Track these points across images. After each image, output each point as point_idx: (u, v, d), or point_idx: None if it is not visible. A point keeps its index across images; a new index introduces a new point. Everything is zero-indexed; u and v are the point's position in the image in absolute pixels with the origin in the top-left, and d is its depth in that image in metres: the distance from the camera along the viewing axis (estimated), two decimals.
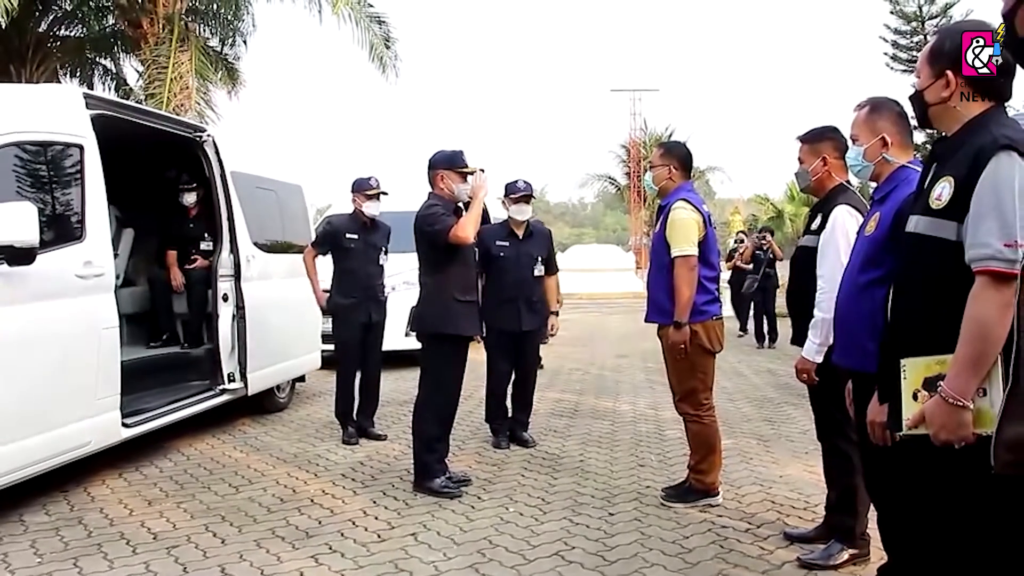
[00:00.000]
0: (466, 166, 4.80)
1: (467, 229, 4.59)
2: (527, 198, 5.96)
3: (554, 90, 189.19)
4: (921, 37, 29.26)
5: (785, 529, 4.04)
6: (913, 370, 2.08)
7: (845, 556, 3.55)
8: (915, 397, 2.07)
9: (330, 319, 6.50)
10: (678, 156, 4.57)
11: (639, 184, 34.17)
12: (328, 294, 6.24)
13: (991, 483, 1.96)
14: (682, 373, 4.45)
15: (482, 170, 4.80)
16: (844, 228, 3.42)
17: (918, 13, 29.87)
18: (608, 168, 41.27)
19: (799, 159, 3.84)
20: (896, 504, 2.60)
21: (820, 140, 3.75)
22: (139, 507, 4.53)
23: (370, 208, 6.13)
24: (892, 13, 30.33)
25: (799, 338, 3.59)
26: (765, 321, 12.82)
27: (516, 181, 5.98)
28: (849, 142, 3.11)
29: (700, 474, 4.47)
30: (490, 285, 5.70)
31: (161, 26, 14.00)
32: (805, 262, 3.62)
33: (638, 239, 37.72)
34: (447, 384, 4.81)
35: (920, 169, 2.72)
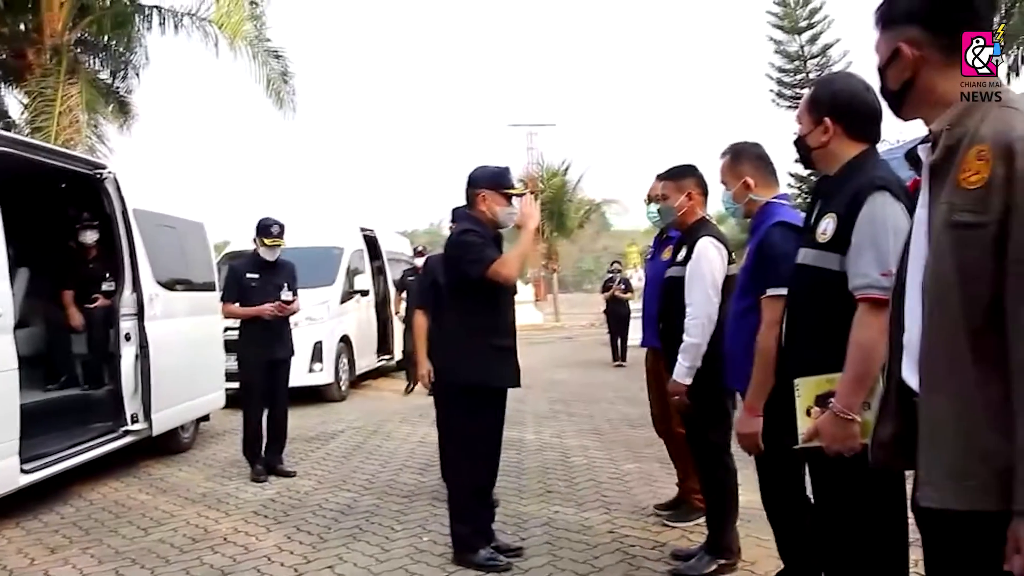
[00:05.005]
0: (513, 186, 4.22)
1: (511, 266, 3.94)
2: None
3: (452, 125, 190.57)
4: (804, 75, 31.25)
5: (674, 550, 4.18)
6: (806, 388, 2.32)
7: (713, 567, 3.80)
8: (808, 413, 2.31)
9: (233, 356, 6.48)
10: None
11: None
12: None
13: (876, 484, 2.21)
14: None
15: (532, 192, 4.36)
16: (709, 258, 3.71)
17: (800, 53, 32.01)
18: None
19: (663, 195, 4.07)
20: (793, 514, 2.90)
21: (684, 177, 4.03)
22: (41, 556, 4.42)
23: (267, 254, 6.18)
24: (776, 52, 32.37)
25: (671, 365, 3.80)
26: None
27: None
28: (721, 187, 3.39)
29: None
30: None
31: (48, 57, 13.59)
32: (675, 292, 3.86)
33: (536, 272, 38.24)
34: (482, 442, 4.14)
35: (785, 203, 3.05)
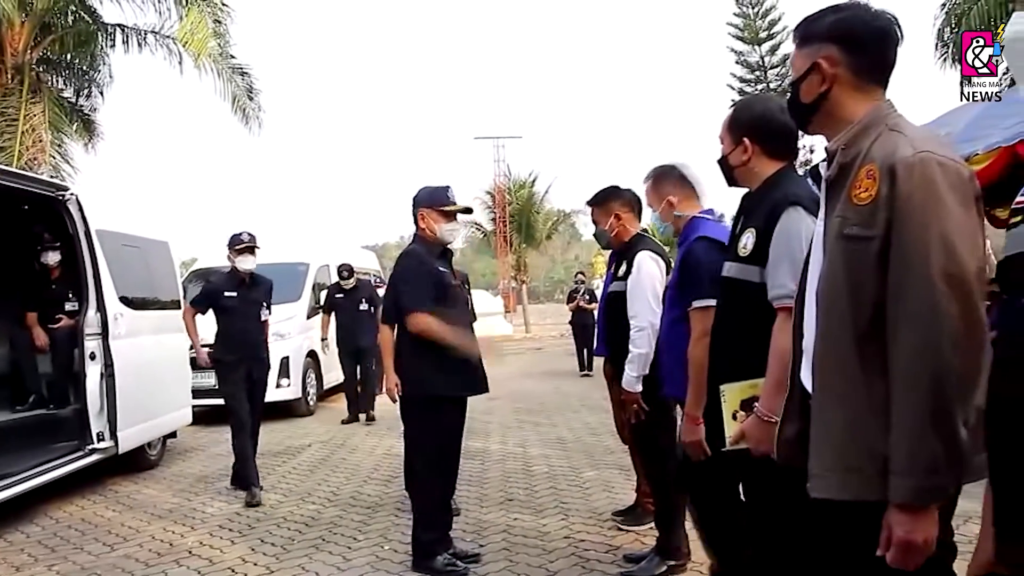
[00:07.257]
0: (451, 204, 4.32)
1: (426, 331, 4.10)
2: None
3: (421, 138, 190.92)
4: (764, 85, 31.87)
5: (627, 553, 4.34)
6: (731, 394, 2.47)
7: (663, 568, 3.95)
8: (734, 417, 2.46)
9: (201, 374, 6.53)
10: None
11: (505, 229, 34.82)
12: (209, 349, 6.29)
13: (801, 481, 2.37)
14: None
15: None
16: (648, 271, 3.88)
17: (761, 63, 32.65)
18: (474, 214, 41.77)
19: (594, 221, 4.26)
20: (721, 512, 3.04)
21: (607, 201, 4.22)
22: (6, 575, 4.46)
23: (243, 263, 6.19)
24: (737, 63, 33.00)
25: (620, 376, 3.96)
26: None
27: None
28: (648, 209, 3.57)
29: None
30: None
31: (10, 76, 13.53)
32: (617, 306, 4.03)
33: (506, 283, 38.37)
34: (447, 451, 4.31)
35: (710, 218, 3.22)
